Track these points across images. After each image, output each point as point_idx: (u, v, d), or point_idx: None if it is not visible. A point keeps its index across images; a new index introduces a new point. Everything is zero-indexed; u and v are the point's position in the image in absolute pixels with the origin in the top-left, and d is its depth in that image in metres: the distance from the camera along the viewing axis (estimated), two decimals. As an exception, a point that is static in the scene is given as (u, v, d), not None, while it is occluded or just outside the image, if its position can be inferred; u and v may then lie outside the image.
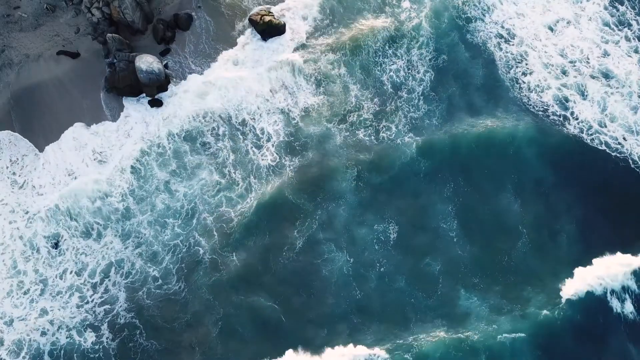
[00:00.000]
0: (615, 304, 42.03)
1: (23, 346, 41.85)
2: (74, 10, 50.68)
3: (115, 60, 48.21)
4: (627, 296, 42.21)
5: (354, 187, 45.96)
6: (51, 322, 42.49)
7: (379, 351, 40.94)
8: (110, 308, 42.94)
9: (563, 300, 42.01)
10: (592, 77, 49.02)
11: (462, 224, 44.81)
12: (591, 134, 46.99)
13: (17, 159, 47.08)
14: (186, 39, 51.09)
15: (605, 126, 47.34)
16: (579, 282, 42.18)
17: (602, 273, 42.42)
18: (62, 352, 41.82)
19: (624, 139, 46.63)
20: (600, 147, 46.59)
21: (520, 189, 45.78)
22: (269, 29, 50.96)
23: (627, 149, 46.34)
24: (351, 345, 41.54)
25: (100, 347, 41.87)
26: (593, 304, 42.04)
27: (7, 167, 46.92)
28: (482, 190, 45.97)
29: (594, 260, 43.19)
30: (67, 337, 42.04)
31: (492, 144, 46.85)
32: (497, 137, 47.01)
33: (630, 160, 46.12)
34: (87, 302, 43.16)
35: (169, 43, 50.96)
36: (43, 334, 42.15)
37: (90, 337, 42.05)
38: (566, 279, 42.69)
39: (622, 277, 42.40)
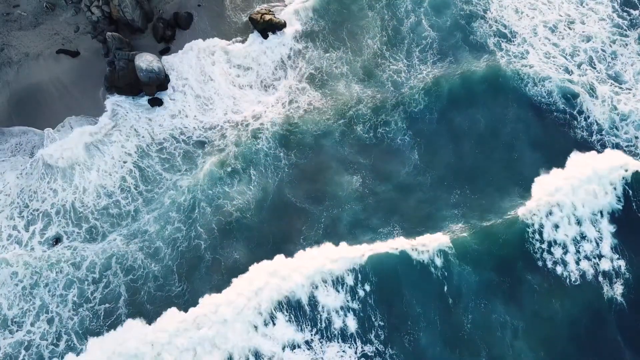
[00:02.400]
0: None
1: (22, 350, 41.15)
2: (74, 9, 50.61)
3: (115, 59, 48.03)
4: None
5: (356, 186, 45.80)
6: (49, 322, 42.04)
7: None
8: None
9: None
10: (599, 80, 49.00)
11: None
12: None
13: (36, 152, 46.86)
14: (186, 38, 50.89)
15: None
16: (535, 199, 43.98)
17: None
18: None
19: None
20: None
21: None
22: (270, 28, 50.82)
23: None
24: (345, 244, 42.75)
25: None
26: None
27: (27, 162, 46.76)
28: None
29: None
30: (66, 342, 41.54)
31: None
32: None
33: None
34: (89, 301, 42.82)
35: (169, 42, 50.86)
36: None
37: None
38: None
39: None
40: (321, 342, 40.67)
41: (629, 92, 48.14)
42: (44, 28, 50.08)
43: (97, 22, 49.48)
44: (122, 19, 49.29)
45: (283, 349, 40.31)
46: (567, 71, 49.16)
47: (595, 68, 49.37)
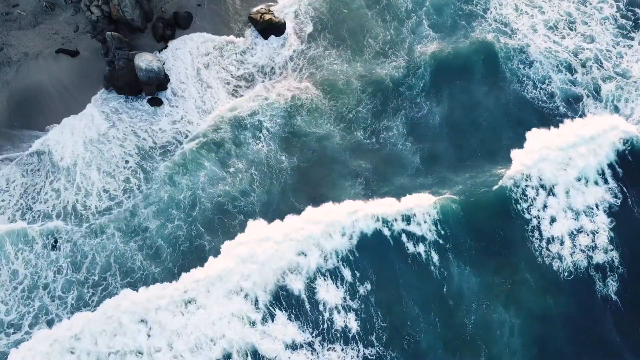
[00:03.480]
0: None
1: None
2: (73, 9, 50.43)
3: (114, 59, 47.90)
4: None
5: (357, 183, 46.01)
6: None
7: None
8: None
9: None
10: (604, 78, 48.94)
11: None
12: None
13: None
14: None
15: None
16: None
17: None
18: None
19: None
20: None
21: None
22: (270, 28, 50.70)
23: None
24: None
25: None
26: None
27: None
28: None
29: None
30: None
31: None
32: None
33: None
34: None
35: (169, 42, 50.69)
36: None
37: None
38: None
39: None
40: (307, 323, 41.13)
41: (634, 85, 48.17)
42: (44, 28, 49.91)
43: (97, 22, 49.33)
44: (122, 19, 49.13)
45: (285, 347, 40.47)
46: (570, 69, 49.21)
47: (601, 66, 49.34)
